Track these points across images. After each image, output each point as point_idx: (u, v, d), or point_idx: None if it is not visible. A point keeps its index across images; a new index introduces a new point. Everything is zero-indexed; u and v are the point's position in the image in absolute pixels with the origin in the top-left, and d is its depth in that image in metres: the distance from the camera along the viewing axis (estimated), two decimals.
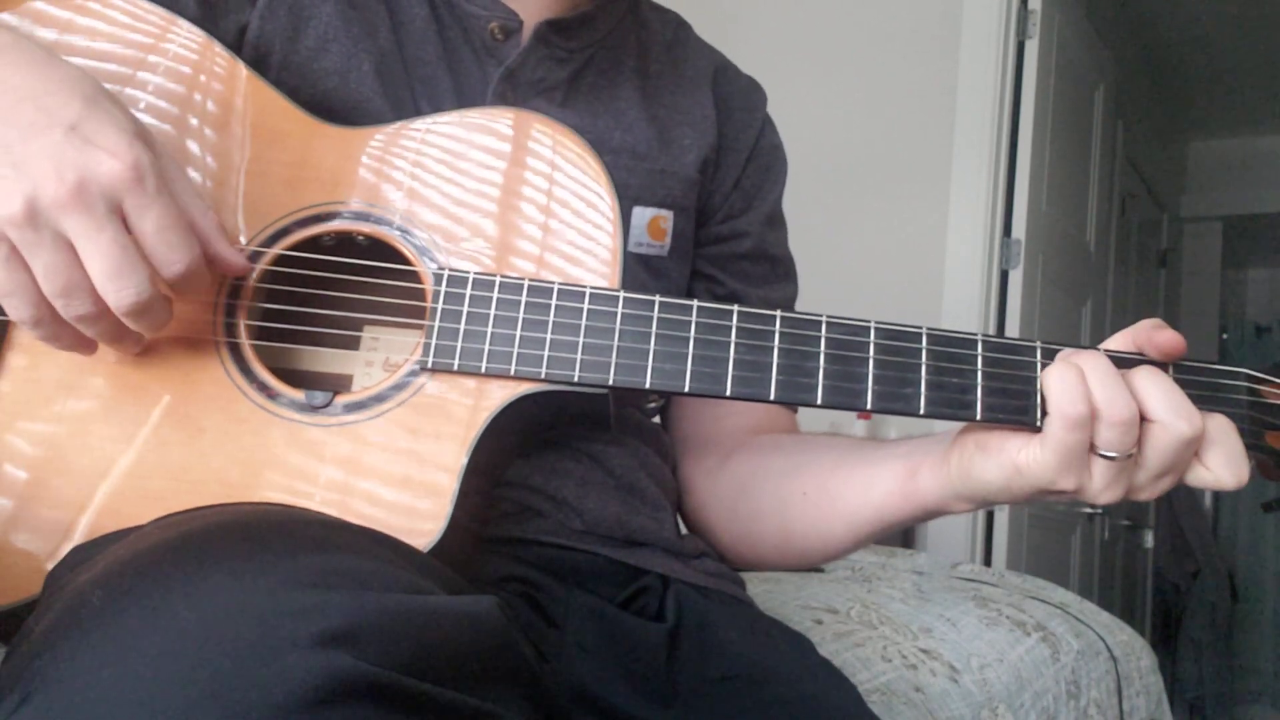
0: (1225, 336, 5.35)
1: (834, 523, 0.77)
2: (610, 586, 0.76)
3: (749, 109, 0.93)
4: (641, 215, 0.82)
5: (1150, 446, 0.62)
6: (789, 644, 0.78)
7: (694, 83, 0.90)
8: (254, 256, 0.68)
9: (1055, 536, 3.01)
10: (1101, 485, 0.62)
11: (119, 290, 0.56)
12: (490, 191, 0.70)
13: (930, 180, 2.71)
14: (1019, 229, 2.68)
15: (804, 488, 0.79)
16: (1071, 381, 0.61)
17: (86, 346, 0.62)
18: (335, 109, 0.74)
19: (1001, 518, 2.62)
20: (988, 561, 2.58)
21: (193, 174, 0.69)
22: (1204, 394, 0.65)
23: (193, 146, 0.69)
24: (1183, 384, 0.64)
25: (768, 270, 0.93)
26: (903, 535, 2.56)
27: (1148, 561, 4.15)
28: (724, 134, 0.90)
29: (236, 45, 0.76)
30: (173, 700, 0.38)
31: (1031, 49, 2.70)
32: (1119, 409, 0.60)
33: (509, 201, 0.70)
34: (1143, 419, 0.62)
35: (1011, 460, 0.64)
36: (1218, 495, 5.27)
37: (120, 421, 0.64)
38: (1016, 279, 2.67)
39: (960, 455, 0.67)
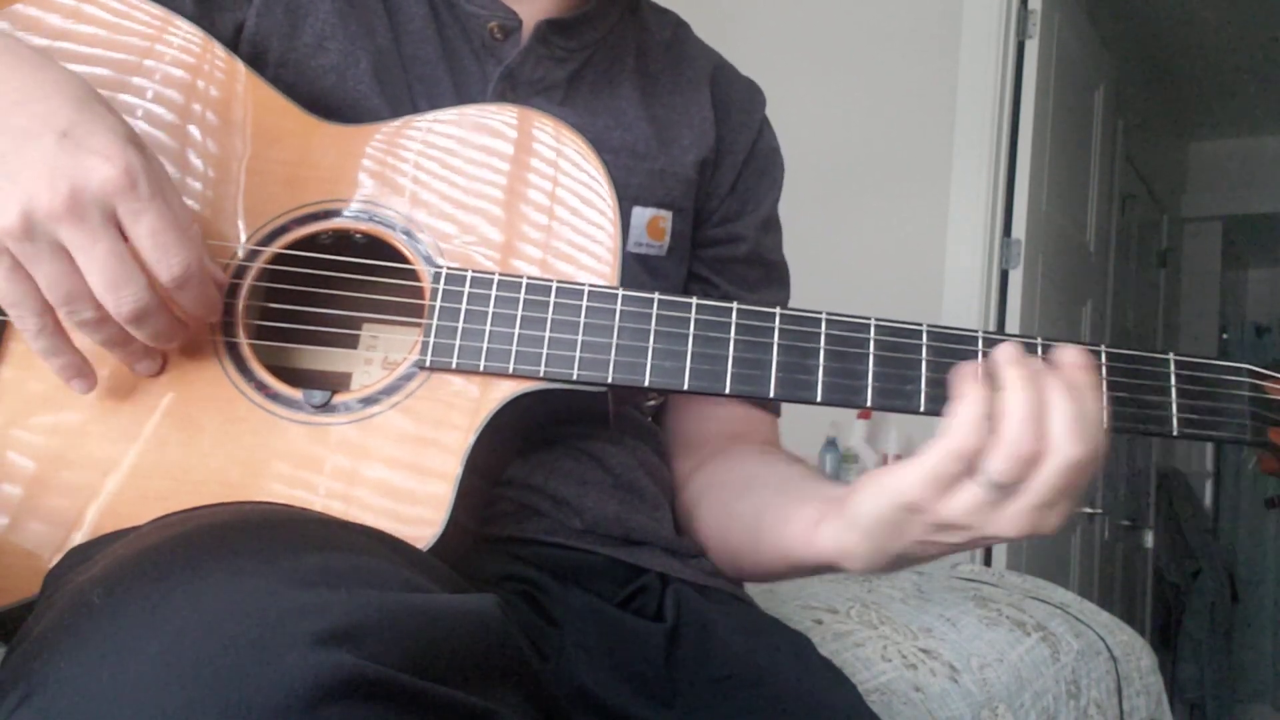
0: (1225, 336, 5.35)
1: (760, 552, 0.76)
2: (610, 585, 0.76)
3: (747, 110, 0.93)
4: (641, 215, 0.82)
5: (1039, 471, 0.58)
6: (788, 643, 0.78)
7: (693, 84, 0.90)
8: (252, 255, 0.68)
9: (1055, 536, 3.00)
10: (969, 507, 0.59)
11: (118, 299, 0.56)
12: (491, 189, 0.70)
13: (930, 180, 2.71)
14: (1019, 229, 2.67)
15: (744, 509, 0.78)
16: (978, 415, 0.58)
17: (83, 378, 0.62)
18: (332, 107, 0.74)
19: None
20: (988, 561, 2.58)
21: (191, 174, 0.69)
22: (1206, 389, 0.64)
23: (191, 145, 0.69)
24: (1186, 379, 0.64)
25: (762, 275, 0.93)
26: None
27: (1148, 561, 4.15)
28: (722, 136, 0.90)
29: (233, 42, 0.76)
30: (173, 699, 0.38)
31: (1031, 49, 2.70)
32: (1025, 446, 0.57)
33: (510, 199, 0.70)
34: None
35: (883, 479, 0.61)
36: (1218, 494, 5.27)
37: (119, 421, 0.64)
38: (1016, 279, 2.67)
39: (853, 492, 0.65)
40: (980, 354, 0.64)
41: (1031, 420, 0.57)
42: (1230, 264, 5.33)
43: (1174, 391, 0.65)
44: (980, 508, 0.59)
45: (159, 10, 0.71)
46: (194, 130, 0.69)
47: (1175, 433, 0.65)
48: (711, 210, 0.90)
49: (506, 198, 0.70)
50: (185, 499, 0.61)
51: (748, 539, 0.77)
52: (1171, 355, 0.65)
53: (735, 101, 0.92)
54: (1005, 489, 0.58)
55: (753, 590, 0.87)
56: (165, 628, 0.41)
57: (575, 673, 0.68)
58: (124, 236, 0.57)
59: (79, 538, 0.62)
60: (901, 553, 0.63)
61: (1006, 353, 0.60)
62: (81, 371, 0.61)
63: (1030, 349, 0.63)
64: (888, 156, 2.79)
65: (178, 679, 0.39)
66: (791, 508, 0.72)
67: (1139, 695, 1.50)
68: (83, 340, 0.61)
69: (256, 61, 0.75)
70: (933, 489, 0.59)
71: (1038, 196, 2.74)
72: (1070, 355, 0.61)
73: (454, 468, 0.64)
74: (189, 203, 0.68)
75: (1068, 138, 2.96)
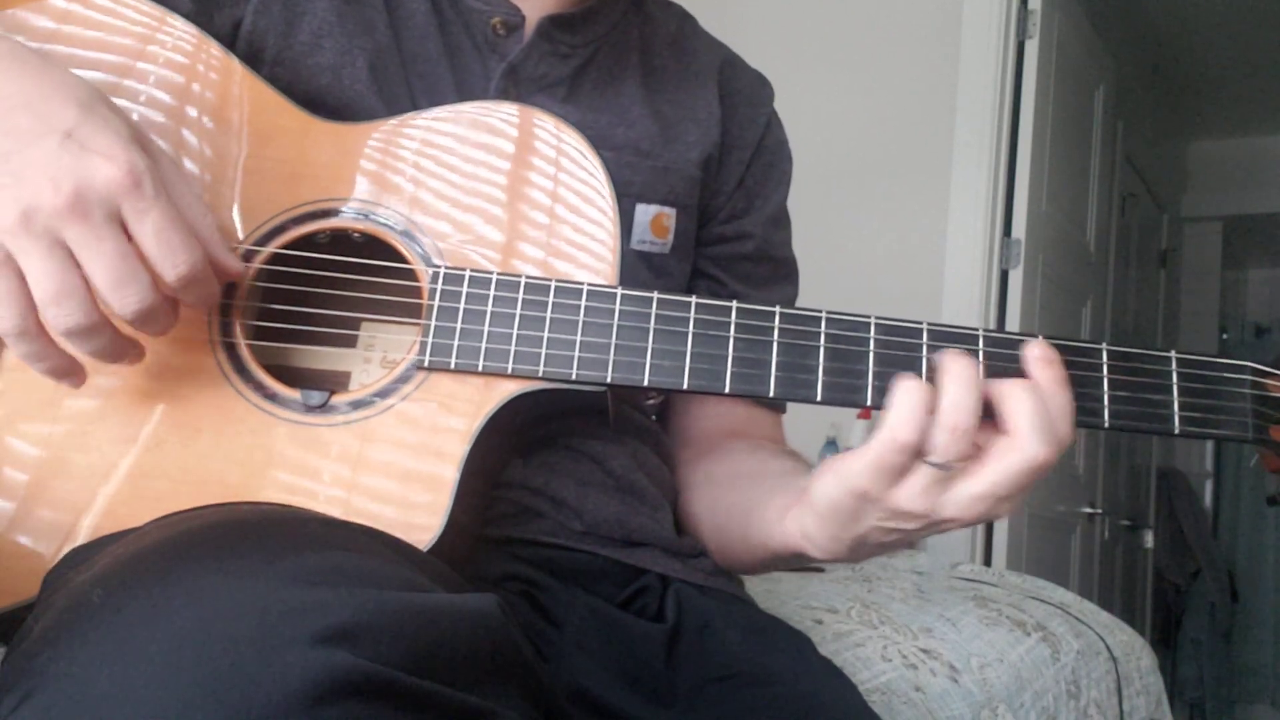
0: (1225, 336, 5.35)
1: (745, 542, 0.77)
2: (610, 586, 0.76)
3: (754, 104, 0.92)
4: (645, 213, 0.82)
5: (996, 460, 0.59)
6: (789, 643, 0.78)
7: (699, 78, 0.89)
8: (249, 254, 0.68)
9: (1055, 536, 3.01)
10: (917, 490, 0.59)
11: (123, 299, 0.56)
12: (490, 187, 0.70)
13: (930, 180, 2.71)
14: (1019, 229, 2.68)
15: (731, 500, 0.79)
16: (914, 404, 0.58)
17: (72, 375, 0.60)
18: (328, 107, 0.74)
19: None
20: (988, 561, 2.58)
21: (190, 173, 0.68)
22: (1207, 387, 0.64)
23: (188, 145, 0.69)
24: (1187, 377, 0.64)
25: (769, 272, 0.93)
26: None
27: (1148, 561, 4.15)
28: (728, 130, 0.89)
29: (230, 40, 0.76)
30: (172, 698, 0.38)
31: (1031, 49, 2.70)
32: (961, 417, 0.58)
33: (509, 197, 0.69)
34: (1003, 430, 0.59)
35: (837, 465, 0.62)
36: (1218, 494, 5.27)
37: (117, 423, 0.64)
38: (1016, 279, 2.67)
39: (812, 479, 0.65)
40: (981, 352, 0.64)
41: (966, 393, 0.58)
42: (1230, 264, 5.33)
43: (1175, 389, 0.65)
44: (929, 489, 0.59)
45: (156, 9, 0.71)
46: (190, 129, 0.69)
47: (1177, 431, 0.64)
48: (718, 207, 0.89)
49: (505, 196, 0.69)
50: (183, 500, 0.61)
51: (736, 531, 0.77)
52: (1173, 353, 0.65)
53: (743, 94, 0.91)
54: (948, 467, 0.59)
55: (752, 590, 0.87)
56: (165, 627, 0.40)
57: (575, 673, 0.68)
58: (128, 236, 0.57)
59: (78, 539, 0.62)
60: (860, 537, 0.64)
61: (945, 351, 0.62)
62: (70, 370, 0.60)
63: (1014, 344, 0.64)
64: (888, 156, 2.79)
65: (178, 678, 0.39)
66: (769, 498, 0.73)
67: (1139, 695, 1.50)
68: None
69: (252, 60, 0.75)
70: (878, 478, 0.60)
71: (1038, 196, 2.74)
72: (1034, 350, 0.62)
73: (452, 468, 0.64)
74: None
75: (1068, 138, 2.97)
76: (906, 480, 0.60)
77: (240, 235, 0.68)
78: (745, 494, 0.77)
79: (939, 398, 0.59)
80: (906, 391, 0.59)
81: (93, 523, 0.62)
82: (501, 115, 0.71)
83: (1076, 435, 0.61)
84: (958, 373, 0.59)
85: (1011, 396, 0.59)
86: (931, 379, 0.61)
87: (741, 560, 0.80)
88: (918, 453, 0.59)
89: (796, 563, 0.75)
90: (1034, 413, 0.59)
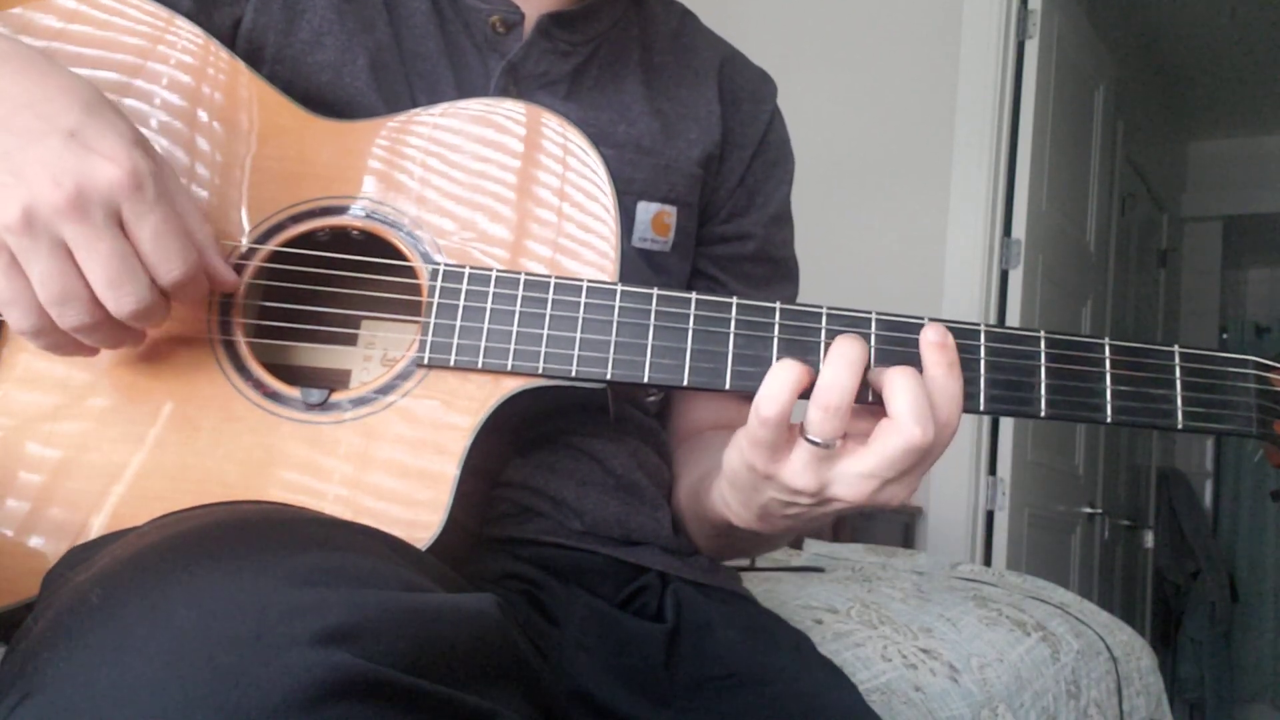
0: (1225, 336, 5.35)
1: (697, 521, 0.79)
2: (610, 585, 0.75)
3: (757, 101, 0.92)
4: (646, 210, 0.82)
5: (878, 441, 0.61)
6: (789, 642, 0.78)
7: (699, 75, 0.89)
8: (249, 253, 0.68)
9: (1055, 536, 3.01)
10: (799, 466, 0.62)
11: (119, 298, 0.56)
12: (493, 184, 0.69)
13: (930, 180, 2.71)
14: (1019, 229, 2.68)
15: (692, 480, 0.80)
16: (781, 382, 0.61)
17: (89, 352, 0.61)
18: (328, 104, 0.74)
19: (1001, 518, 2.62)
20: (988, 561, 2.58)
21: (186, 174, 0.68)
22: (1211, 382, 0.64)
23: (191, 145, 0.69)
24: (1190, 372, 0.63)
25: (769, 272, 0.93)
26: (903, 535, 2.55)
27: (1148, 561, 4.16)
28: (729, 128, 0.89)
29: (230, 39, 0.76)
30: (171, 698, 0.38)
31: (1031, 49, 2.70)
32: (833, 395, 0.60)
33: (511, 194, 0.69)
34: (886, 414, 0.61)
35: (735, 436, 0.64)
36: (1218, 494, 5.26)
37: (117, 422, 0.64)
38: (1016, 279, 2.67)
39: (725, 451, 0.68)
40: (982, 347, 0.64)
41: (841, 374, 0.60)
42: (1230, 264, 5.33)
43: (1179, 384, 0.64)
44: (812, 466, 0.61)
45: (161, 10, 0.71)
46: (189, 129, 0.69)
47: (1180, 426, 0.64)
48: (719, 205, 0.89)
49: (506, 193, 0.69)
50: (183, 499, 0.61)
51: (695, 509, 0.79)
52: (1176, 348, 0.65)
53: (745, 91, 0.91)
54: (828, 445, 0.61)
55: (753, 590, 0.87)
56: (164, 627, 0.40)
57: (575, 673, 0.68)
58: (125, 237, 0.57)
59: (78, 539, 0.62)
60: (764, 507, 0.66)
61: (840, 335, 0.64)
62: (85, 349, 0.61)
63: (1051, 343, 0.64)
64: (888, 156, 2.79)
65: (177, 678, 0.39)
66: (716, 476, 0.74)
67: (1139, 695, 1.50)
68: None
69: (253, 58, 0.75)
70: (758, 452, 0.62)
71: (1038, 196, 2.74)
72: (926, 335, 0.63)
73: (452, 465, 0.64)
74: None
75: (1068, 138, 2.97)
76: (790, 456, 0.62)
77: (241, 234, 0.68)
78: (703, 475, 0.78)
79: (819, 377, 0.61)
80: (781, 368, 0.61)
81: (93, 521, 0.62)
82: (507, 113, 0.71)
83: (960, 418, 0.63)
84: (836, 354, 0.61)
85: (892, 381, 0.61)
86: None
87: (706, 542, 0.81)
88: (787, 429, 0.61)
89: (735, 537, 0.77)
90: (912, 396, 0.60)
